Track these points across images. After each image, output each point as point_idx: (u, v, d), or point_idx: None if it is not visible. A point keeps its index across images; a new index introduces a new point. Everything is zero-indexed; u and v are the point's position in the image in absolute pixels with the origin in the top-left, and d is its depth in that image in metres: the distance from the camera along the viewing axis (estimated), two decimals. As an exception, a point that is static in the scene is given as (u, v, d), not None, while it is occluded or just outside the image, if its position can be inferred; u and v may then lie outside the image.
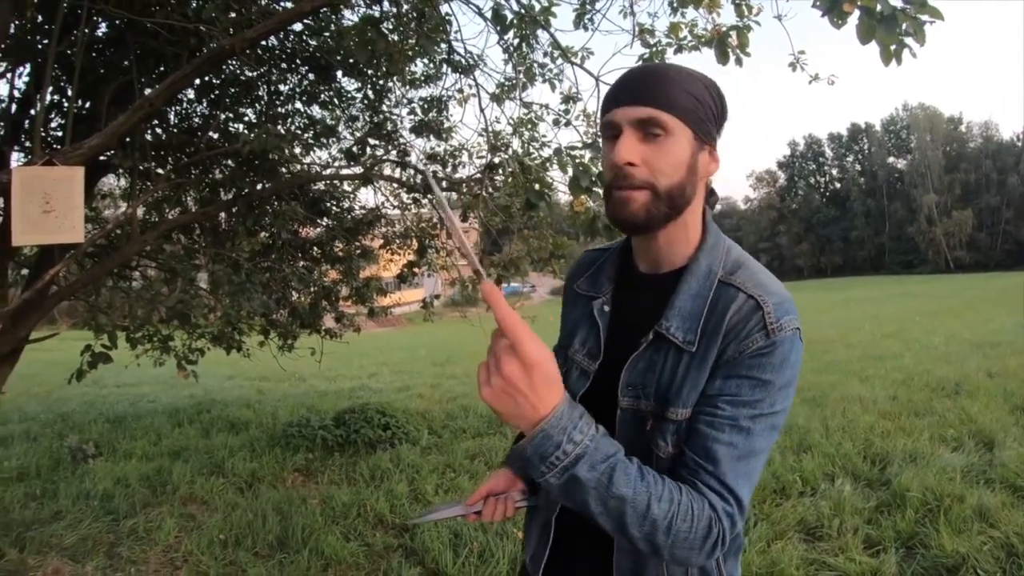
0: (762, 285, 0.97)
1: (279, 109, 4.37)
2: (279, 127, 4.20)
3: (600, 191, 2.75)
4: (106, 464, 4.93)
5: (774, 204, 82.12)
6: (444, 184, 4.09)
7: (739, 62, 2.90)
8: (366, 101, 4.60)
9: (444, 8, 3.65)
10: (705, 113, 0.97)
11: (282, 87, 4.38)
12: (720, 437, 0.91)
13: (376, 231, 4.96)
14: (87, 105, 3.52)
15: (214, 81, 3.98)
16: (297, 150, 4.43)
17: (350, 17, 4.12)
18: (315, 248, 4.85)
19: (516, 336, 0.75)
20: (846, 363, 8.88)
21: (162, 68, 3.53)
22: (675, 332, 0.97)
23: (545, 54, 4.12)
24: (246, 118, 4.35)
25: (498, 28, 3.65)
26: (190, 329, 4.19)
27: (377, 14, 3.55)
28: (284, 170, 4.22)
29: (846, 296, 32.97)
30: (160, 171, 3.70)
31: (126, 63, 3.21)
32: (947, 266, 65.26)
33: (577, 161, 3.14)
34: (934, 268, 65.49)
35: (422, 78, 4.62)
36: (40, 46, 3.11)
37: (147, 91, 3.11)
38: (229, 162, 4.23)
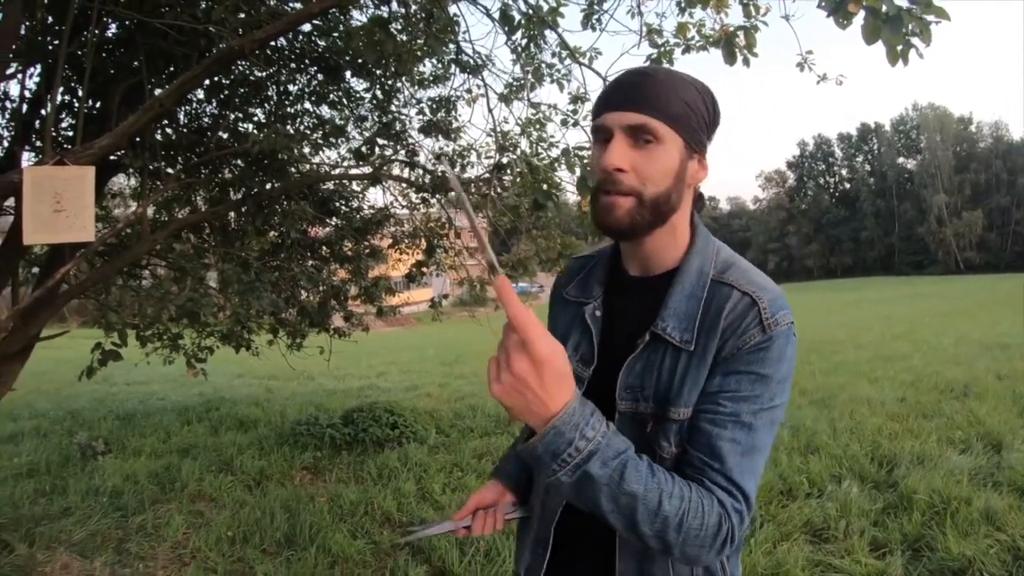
0: (755, 283, 0.99)
1: (288, 109, 4.38)
2: (288, 127, 4.21)
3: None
4: (115, 461, 4.97)
5: (783, 204, 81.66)
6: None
7: (746, 62, 2.91)
8: (375, 101, 4.61)
9: (452, 9, 3.67)
10: (697, 122, 0.98)
11: (291, 87, 4.39)
12: (723, 434, 0.92)
13: (385, 231, 4.95)
14: (97, 105, 3.54)
15: (224, 81, 4.00)
16: (306, 150, 4.43)
17: (359, 18, 4.13)
18: (324, 247, 4.85)
19: (527, 332, 0.74)
20: (855, 364, 8.85)
21: (172, 69, 3.56)
22: (671, 332, 0.98)
23: (553, 54, 4.13)
24: (255, 118, 4.36)
25: (506, 29, 3.66)
26: (199, 327, 4.22)
27: (386, 15, 3.55)
28: (293, 170, 4.23)
29: (858, 296, 32.79)
30: (170, 171, 3.72)
31: (136, 64, 3.23)
32: (957, 267, 64.77)
33: (585, 161, 3.14)
34: (944, 269, 64.99)
35: (430, 78, 4.62)
36: (51, 47, 3.12)
37: (157, 91, 3.11)
38: (239, 162, 4.25)
